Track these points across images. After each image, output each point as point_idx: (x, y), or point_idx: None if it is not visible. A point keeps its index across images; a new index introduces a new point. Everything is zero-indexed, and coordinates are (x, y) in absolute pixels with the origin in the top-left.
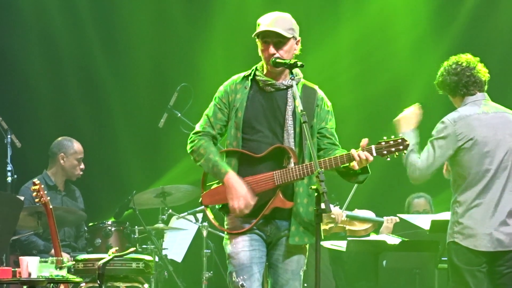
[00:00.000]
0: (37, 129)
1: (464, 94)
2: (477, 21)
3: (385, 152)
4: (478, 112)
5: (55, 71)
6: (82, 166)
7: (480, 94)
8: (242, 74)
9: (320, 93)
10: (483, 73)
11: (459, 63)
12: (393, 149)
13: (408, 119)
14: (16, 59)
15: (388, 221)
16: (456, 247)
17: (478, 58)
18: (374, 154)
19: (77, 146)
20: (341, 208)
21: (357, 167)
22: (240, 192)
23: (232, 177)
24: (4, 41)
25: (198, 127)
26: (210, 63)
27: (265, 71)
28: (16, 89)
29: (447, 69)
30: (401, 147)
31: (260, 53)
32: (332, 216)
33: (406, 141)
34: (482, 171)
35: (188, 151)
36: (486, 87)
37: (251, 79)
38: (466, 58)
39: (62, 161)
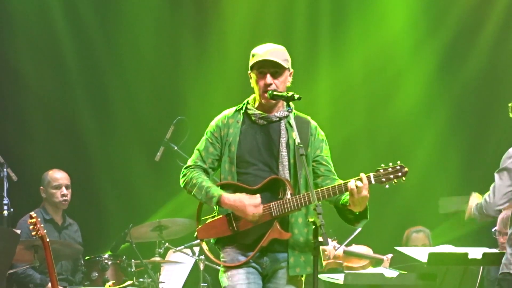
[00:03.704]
0: (34, 162)
1: None
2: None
3: (384, 179)
4: None
5: (50, 105)
6: (64, 191)
7: None
8: (233, 109)
9: (313, 123)
10: None
11: None
12: (391, 176)
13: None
14: (11, 93)
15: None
16: (511, 278)
17: None
18: (373, 182)
19: (50, 174)
20: (340, 243)
21: (356, 196)
22: (243, 201)
23: (227, 195)
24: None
25: (189, 162)
26: (206, 96)
27: (256, 104)
28: (12, 123)
29: None
30: (399, 173)
31: (253, 84)
32: (325, 252)
33: (405, 167)
34: None
35: (181, 185)
36: None
37: (243, 113)
38: None
39: (44, 195)
